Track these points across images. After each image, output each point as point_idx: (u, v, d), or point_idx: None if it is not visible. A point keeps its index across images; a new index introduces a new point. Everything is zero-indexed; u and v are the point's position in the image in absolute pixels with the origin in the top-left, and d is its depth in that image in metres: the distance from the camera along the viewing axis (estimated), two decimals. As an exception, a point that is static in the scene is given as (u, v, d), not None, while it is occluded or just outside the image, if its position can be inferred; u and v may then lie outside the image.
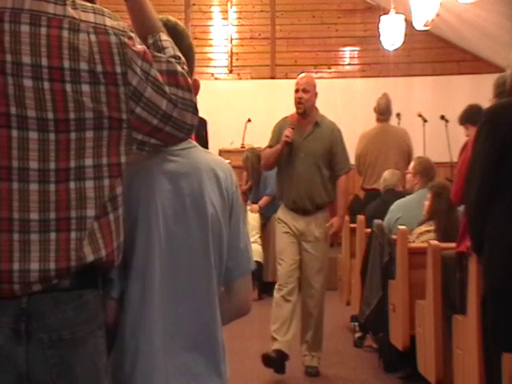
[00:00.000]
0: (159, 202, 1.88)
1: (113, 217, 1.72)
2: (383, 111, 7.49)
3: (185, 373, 1.90)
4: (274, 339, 5.43)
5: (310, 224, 5.49)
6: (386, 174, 6.73)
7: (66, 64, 1.62)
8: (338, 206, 5.70)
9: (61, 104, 1.62)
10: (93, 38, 1.65)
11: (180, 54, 1.80)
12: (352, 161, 10.57)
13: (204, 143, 9.12)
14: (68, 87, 1.62)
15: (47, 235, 1.64)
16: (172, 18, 1.97)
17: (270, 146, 5.62)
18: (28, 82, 1.61)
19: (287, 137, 5.41)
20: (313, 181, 5.47)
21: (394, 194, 6.35)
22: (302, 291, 5.55)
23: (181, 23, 1.99)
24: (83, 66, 1.64)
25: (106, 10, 1.72)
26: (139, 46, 1.72)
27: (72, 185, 1.65)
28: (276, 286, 5.56)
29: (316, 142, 5.50)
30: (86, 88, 1.64)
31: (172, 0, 11.24)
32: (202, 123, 9.43)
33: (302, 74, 5.76)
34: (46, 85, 1.62)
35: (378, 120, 7.58)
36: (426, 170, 5.97)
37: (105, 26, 1.68)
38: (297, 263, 5.49)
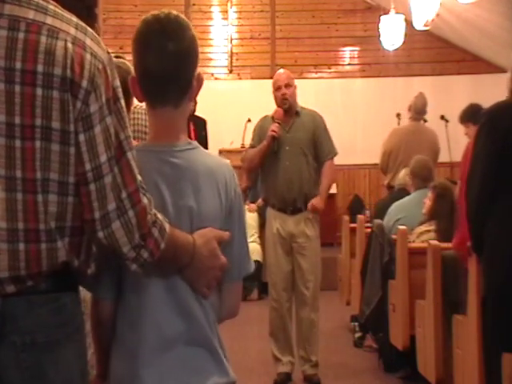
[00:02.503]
0: (156, 203, 1.86)
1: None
2: (420, 110, 7.39)
3: (184, 367, 1.90)
4: (278, 359, 5.41)
5: (299, 223, 5.36)
6: (401, 173, 6.70)
7: (40, 68, 1.60)
8: (321, 187, 5.41)
9: (28, 108, 1.60)
10: (69, 46, 1.62)
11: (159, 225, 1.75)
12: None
13: (204, 143, 9.12)
14: (39, 91, 1.60)
15: (16, 245, 1.62)
16: (174, 12, 1.95)
17: (252, 147, 5.47)
18: (0, 86, 1.59)
19: (274, 131, 5.26)
20: (301, 171, 5.33)
21: (405, 193, 6.27)
22: (296, 295, 5.44)
23: (182, 16, 1.95)
24: (57, 71, 1.61)
25: (90, 30, 1.69)
26: (111, 88, 1.68)
27: (39, 197, 1.63)
28: (271, 300, 5.49)
29: (299, 131, 5.38)
30: (56, 94, 1.61)
31: (172, 0, 11.24)
32: (202, 123, 9.43)
33: (281, 71, 5.65)
34: (17, 88, 1.59)
35: (413, 119, 7.43)
36: (419, 171, 5.93)
37: (84, 42, 1.65)
38: (289, 273, 5.40)
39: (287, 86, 5.39)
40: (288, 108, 5.37)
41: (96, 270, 1.78)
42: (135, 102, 3.29)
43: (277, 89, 5.42)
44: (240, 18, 11.67)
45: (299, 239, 5.37)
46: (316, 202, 5.35)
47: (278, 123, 5.32)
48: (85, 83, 1.63)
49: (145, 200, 1.71)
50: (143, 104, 2.04)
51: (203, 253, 1.87)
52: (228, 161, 2.08)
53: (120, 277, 1.90)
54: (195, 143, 2.01)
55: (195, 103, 9.06)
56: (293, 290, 5.44)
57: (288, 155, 5.35)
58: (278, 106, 5.42)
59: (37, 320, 1.64)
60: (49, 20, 1.63)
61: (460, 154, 6.96)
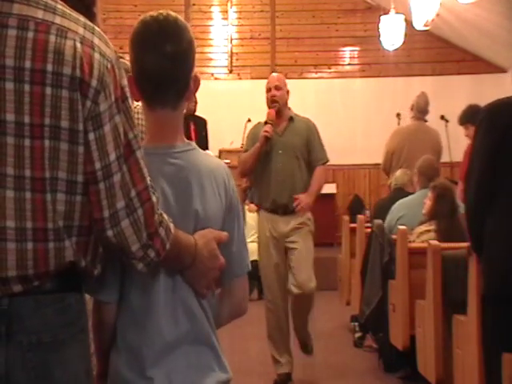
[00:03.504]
0: (160, 205, 1.87)
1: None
2: (422, 109, 7.35)
3: (189, 365, 1.91)
4: (277, 361, 5.40)
5: (289, 223, 5.34)
6: (398, 172, 6.70)
7: (49, 67, 1.60)
8: (311, 187, 5.35)
9: (37, 107, 1.60)
10: (78, 45, 1.63)
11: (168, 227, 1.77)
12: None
13: (204, 143, 9.11)
14: (48, 90, 1.60)
15: (24, 245, 1.62)
16: (172, 13, 1.95)
17: (245, 151, 5.48)
18: (9, 85, 1.59)
19: (266, 131, 5.26)
20: (294, 174, 5.32)
21: (402, 193, 6.29)
22: (290, 287, 5.37)
23: (181, 18, 1.96)
24: (66, 70, 1.61)
25: (97, 29, 1.70)
26: (119, 87, 1.68)
27: (48, 196, 1.63)
28: (266, 302, 5.48)
29: (293, 135, 5.37)
30: (65, 93, 1.61)
31: (172, 0, 11.24)
32: (203, 123, 9.42)
33: (273, 74, 5.68)
34: (27, 87, 1.60)
35: (415, 118, 7.39)
36: (426, 171, 5.94)
37: (92, 42, 1.66)
38: (283, 274, 5.37)
39: (277, 87, 5.40)
40: (278, 110, 5.37)
41: (101, 271, 1.78)
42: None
43: (267, 90, 5.46)
44: (240, 18, 11.67)
45: (291, 238, 5.35)
46: (303, 197, 5.27)
47: (271, 124, 5.32)
48: (94, 82, 1.64)
49: (153, 199, 1.73)
50: None
51: (204, 254, 1.88)
52: (226, 161, 2.09)
53: (122, 279, 1.91)
54: (193, 144, 2.02)
55: (195, 103, 9.07)
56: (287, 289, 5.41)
57: (281, 158, 5.34)
58: (269, 107, 5.43)
59: (43, 320, 1.64)
60: (57, 19, 1.64)
61: (460, 154, 6.99)
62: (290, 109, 5.51)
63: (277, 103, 5.37)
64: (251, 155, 5.36)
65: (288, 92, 5.48)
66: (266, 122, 5.41)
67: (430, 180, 5.77)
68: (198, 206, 1.93)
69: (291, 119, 5.44)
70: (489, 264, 3.41)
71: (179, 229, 1.83)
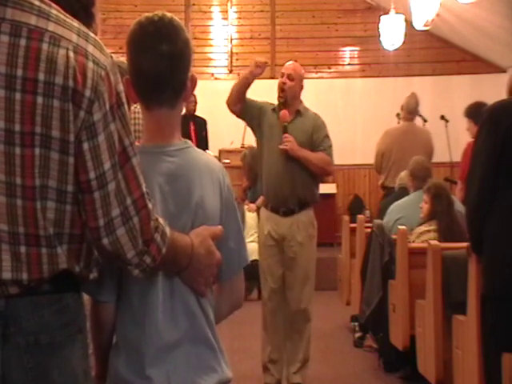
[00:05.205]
0: (156, 203, 1.87)
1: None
2: (412, 110, 7.37)
3: (189, 365, 1.92)
4: (267, 369, 5.28)
5: (292, 226, 5.14)
6: (403, 173, 6.71)
7: (41, 76, 1.59)
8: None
9: (28, 116, 1.59)
10: (71, 54, 1.61)
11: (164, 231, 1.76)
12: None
13: (204, 143, 9.11)
14: (39, 100, 1.59)
15: (17, 248, 1.62)
16: (168, 14, 1.96)
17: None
18: (0, 92, 1.58)
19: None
20: (294, 174, 5.08)
21: (406, 193, 6.27)
22: (288, 303, 5.23)
23: (176, 18, 1.96)
24: (58, 80, 1.60)
25: (91, 36, 1.68)
26: (114, 93, 1.67)
27: (38, 204, 1.62)
28: (262, 303, 5.35)
29: (297, 131, 5.11)
30: (56, 103, 1.60)
31: (172, 0, 11.25)
32: (202, 123, 9.42)
33: (290, 62, 5.41)
34: (18, 95, 1.58)
35: (405, 119, 7.44)
36: (418, 172, 5.94)
37: (86, 50, 1.64)
38: (280, 278, 5.21)
39: (289, 77, 5.16)
40: (284, 103, 5.14)
41: (98, 274, 1.78)
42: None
43: (281, 75, 5.25)
44: (240, 18, 11.68)
45: (291, 243, 5.17)
46: (295, 142, 5.09)
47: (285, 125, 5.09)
48: (88, 92, 1.62)
49: (149, 206, 1.72)
50: None
51: (201, 252, 1.88)
52: (225, 161, 2.10)
53: (121, 279, 1.91)
54: (189, 142, 2.04)
55: (195, 103, 9.06)
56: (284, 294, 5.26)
57: (282, 159, 5.10)
58: (278, 94, 5.21)
59: (40, 321, 1.64)
60: (51, 26, 1.62)
61: (460, 153, 6.99)
62: (301, 102, 5.26)
63: (284, 93, 5.14)
64: (238, 83, 5.33)
65: (302, 87, 5.23)
66: (273, 110, 5.20)
67: (423, 181, 5.77)
68: (197, 202, 1.94)
69: (298, 113, 5.19)
70: (489, 263, 3.42)
71: (177, 225, 1.84)
